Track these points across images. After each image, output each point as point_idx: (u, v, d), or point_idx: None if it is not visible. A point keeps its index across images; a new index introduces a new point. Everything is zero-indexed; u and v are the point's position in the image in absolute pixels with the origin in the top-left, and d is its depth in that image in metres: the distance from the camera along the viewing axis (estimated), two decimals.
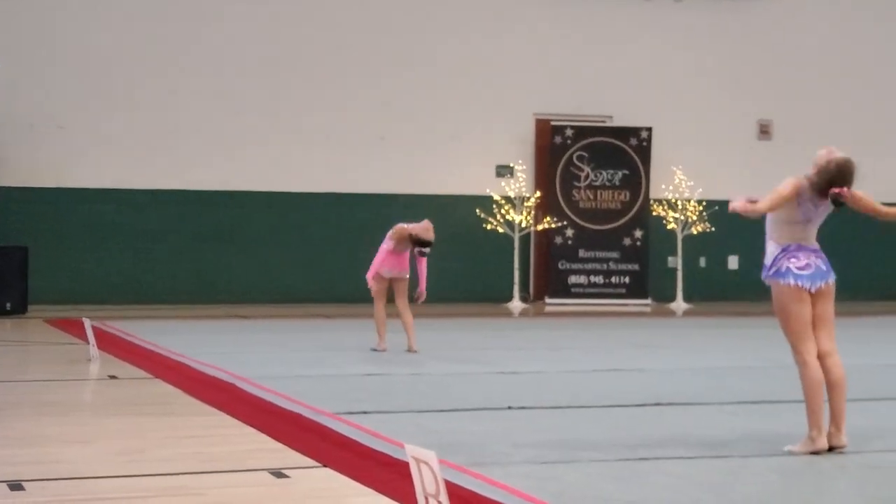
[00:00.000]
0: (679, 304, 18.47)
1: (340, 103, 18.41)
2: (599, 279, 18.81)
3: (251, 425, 7.41)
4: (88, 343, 10.78)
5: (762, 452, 6.81)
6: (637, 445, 6.95)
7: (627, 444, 6.99)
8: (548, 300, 18.71)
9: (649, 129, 18.92)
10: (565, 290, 18.72)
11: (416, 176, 18.63)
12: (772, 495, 5.81)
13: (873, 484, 6.07)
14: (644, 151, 18.92)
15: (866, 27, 20.18)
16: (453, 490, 5.38)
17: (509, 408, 8.31)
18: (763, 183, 20.91)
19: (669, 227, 18.67)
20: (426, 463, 4.77)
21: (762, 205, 6.85)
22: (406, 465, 5.00)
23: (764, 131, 19.72)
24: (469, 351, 12.26)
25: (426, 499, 4.82)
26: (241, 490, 5.72)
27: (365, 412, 7.92)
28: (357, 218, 18.24)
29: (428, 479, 4.79)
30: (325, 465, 6.18)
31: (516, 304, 17.96)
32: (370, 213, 18.20)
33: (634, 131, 18.95)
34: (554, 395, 8.99)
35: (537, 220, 18.49)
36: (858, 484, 6.11)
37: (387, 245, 11.75)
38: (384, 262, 11.75)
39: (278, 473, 6.00)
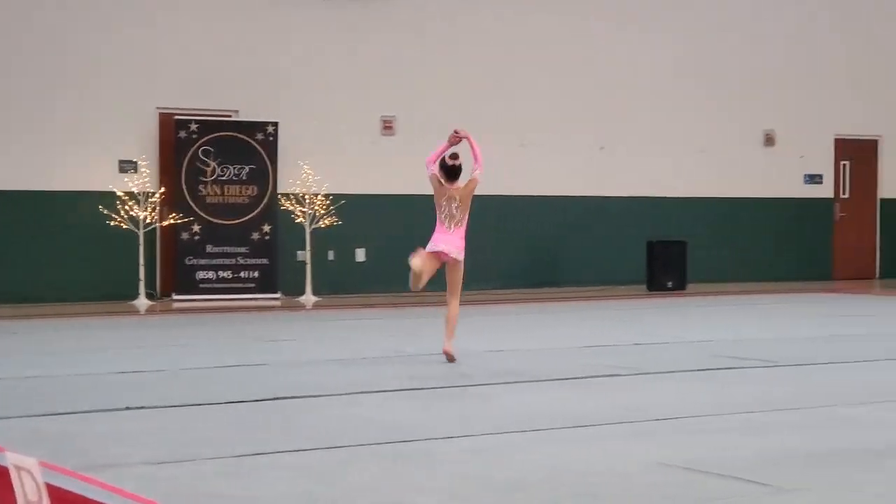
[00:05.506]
0: (308, 298, 18.66)
1: None
2: (228, 274, 18.73)
3: None
4: None
5: (377, 440, 7.01)
6: (254, 441, 7.00)
7: (244, 440, 7.03)
8: (175, 297, 18.47)
9: (275, 124, 18.98)
10: (193, 287, 18.53)
11: (36, 173, 17.96)
12: (382, 480, 5.99)
13: (473, 466, 6.35)
14: (271, 146, 18.97)
15: (489, 24, 20.95)
16: (59, 495, 5.22)
17: (127, 408, 8.19)
18: (386, 176, 21.38)
19: (298, 221, 18.82)
20: (27, 470, 4.63)
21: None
22: (9, 471, 4.84)
23: (387, 127, 20.19)
24: (89, 352, 11.94)
25: None
26: None
27: None
28: None
29: (30, 487, 4.64)
30: None
31: (142, 302, 17.63)
32: None
33: (261, 126, 18.96)
34: (174, 393, 8.90)
35: (162, 216, 18.21)
36: (461, 466, 6.38)
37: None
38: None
39: None
